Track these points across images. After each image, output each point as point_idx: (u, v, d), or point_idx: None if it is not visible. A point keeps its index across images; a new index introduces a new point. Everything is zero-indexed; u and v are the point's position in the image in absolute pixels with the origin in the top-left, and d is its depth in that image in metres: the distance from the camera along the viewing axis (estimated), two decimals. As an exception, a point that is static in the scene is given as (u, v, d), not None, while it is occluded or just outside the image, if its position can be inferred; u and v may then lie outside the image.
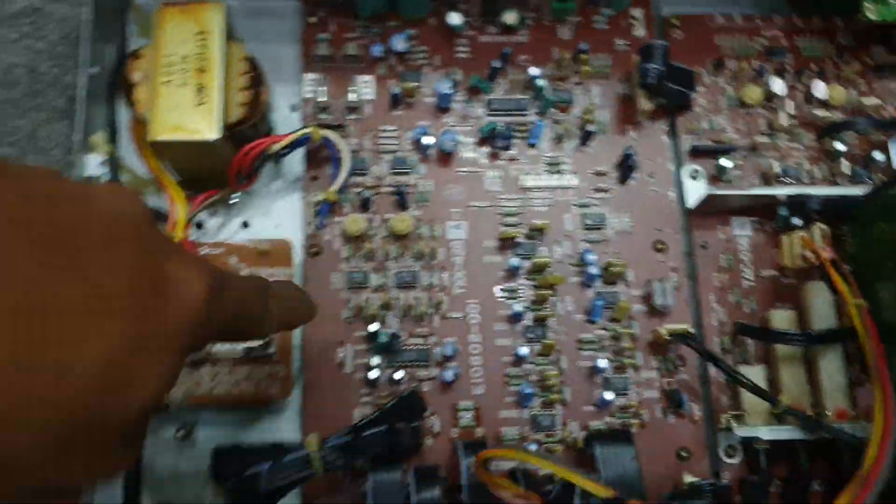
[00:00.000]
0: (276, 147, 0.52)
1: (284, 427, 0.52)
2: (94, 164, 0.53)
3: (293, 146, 0.53)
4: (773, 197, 0.54)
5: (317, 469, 0.43)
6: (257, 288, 0.39)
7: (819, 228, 0.53)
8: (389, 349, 0.52)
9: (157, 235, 0.32)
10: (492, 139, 0.56)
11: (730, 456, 0.52)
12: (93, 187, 0.31)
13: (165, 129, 0.48)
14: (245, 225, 0.55)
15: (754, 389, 0.49)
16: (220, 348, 0.51)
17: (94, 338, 0.27)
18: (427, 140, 0.55)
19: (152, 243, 0.31)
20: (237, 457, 0.44)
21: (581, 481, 0.39)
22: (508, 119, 0.57)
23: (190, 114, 0.48)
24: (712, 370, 0.53)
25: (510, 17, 0.58)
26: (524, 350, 0.52)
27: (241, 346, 0.51)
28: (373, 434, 0.45)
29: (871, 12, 0.57)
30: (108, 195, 0.31)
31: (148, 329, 0.30)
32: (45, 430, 0.27)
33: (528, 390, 0.51)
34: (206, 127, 0.48)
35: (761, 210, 0.56)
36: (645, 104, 0.56)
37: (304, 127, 0.53)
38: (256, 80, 0.51)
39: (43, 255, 0.27)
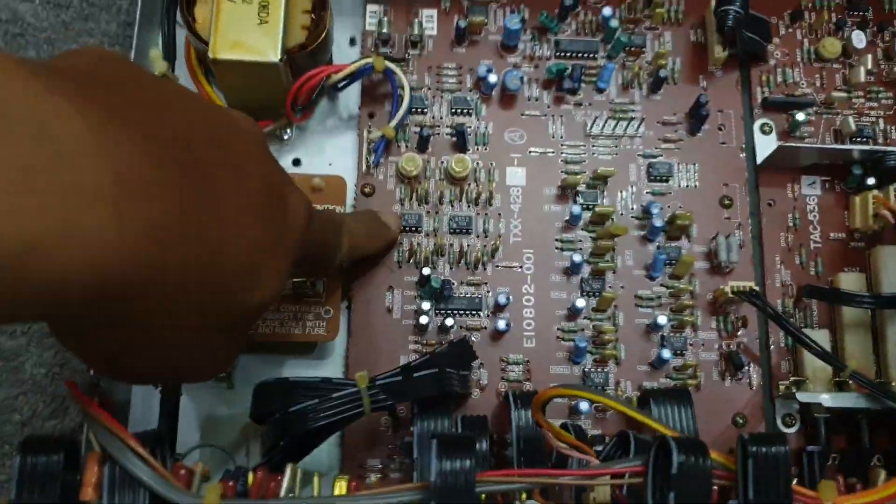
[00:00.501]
0: (336, 77, 0.50)
1: (327, 372, 0.50)
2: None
3: (353, 77, 0.50)
4: (847, 153, 0.52)
5: (365, 407, 0.42)
6: (333, 222, 0.44)
7: (894, 189, 0.50)
8: (440, 295, 0.50)
9: (273, 158, 0.37)
10: (558, 81, 0.54)
11: (788, 425, 0.50)
12: (231, 110, 0.36)
13: (225, 47, 0.46)
14: (296, 162, 0.53)
15: (821, 352, 0.47)
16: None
17: (242, 228, 0.32)
18: (492, 78, 0.52)
19: (273, 163, 0.37)
20: (282, 391, 0.42)
21: (646, 420, 0.37)
22: (576, 61, 0.54)
23: (252, 31, 0.46)
24: (773, 335, 0.51)
25: (581, -44, 0.56)
26: (581, 303, 0.50)
27: (289, 284, 0.49)
28: (423, 376, 0.43)
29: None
30: (243, 118, 0.36)
31: (275, 234, 0.35)
32: (190, 301, 0.31)
33: (583, 344, 0.49)
34: (268, 47, 0.46)
35: (833, 169, 0.54)
36: (718, 52, 0.54)
37: (366, 57, 0.51)
38: (320, 2, 0.48)
39: (207, 160, 0.32)
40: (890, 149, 0.52)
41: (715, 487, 0.36)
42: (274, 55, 0.46)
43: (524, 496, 0.38)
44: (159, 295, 0.30)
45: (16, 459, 0.33)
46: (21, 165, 0.24)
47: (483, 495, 0.38)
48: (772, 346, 0.51)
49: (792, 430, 0.50)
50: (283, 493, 0.35)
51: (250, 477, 0.36)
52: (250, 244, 0.33)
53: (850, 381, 0.48)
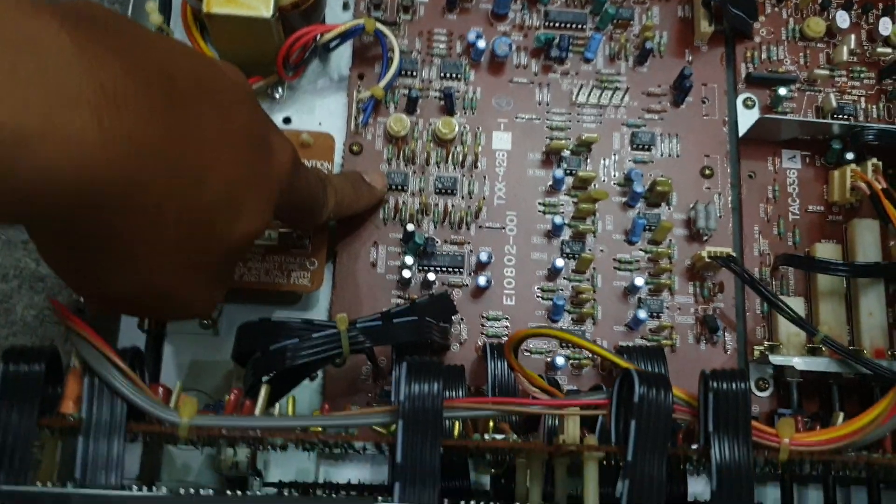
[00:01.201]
0: (328, 36, 0.51)
1: (312, 322, 0.51)
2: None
3: (344, 37, 0.52)
4: (827, 127, 0.53)
5: (344, 349, 0.43)
6: (320, 178, 0.45)
7: (871, 163, 0.51)
8: (424, 252, 0.51)
9: (260, 107, 0.38)
10: (546, 50, 0.55)
11: (761, 389, 0.51)
12: (220, 61, 0.38)
13: (219, 2, 0.47)
14: (287, 121, 0.55)
15: (794, 317, 0.48)
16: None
17: (222, 163, 0.34)
18: (481, 44, 0.54)
19: (259, 111, 0.38)
20: (264, 331, 0.43)
21: (608, 355, 0.38)
22: (565, 31, 0.56)
23: (246, -15, 0.47)
24: (749, 302, 0.52)
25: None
26: (560, 262, 0.51)
27: (273, 234, 0.50)
28: (402, 322, 0.44)
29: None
30: (230, 69, 0.38)
31: (257, 173, 0.36)
32: (168, 222, 0.32)
33: (560, 302, 0.50)
34: (261, 2, 0.47)
35: (813, 144, 0.55)
36: (705, 27, 0.55)
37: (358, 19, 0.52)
38: (314, -38, 0.50)
39: (191, 96, 0.33)
40: (868, 124, 0.53)
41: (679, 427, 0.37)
42: (266, 11, 0.48)
43: (491, 425, 0.38)
44: (138, 210, 0.31)
45: (-1, 366, 0.34)
46: (6, 69, 0.26)
47: (457, 425, 0.39)
48: (747, 314, 0.52)
49: (765, 394, 0.51)
50: (257, 412, 0.36)
51: (226, 399, 0.37)
52: (230, 178, 0.35)
53: (823, 347, 0.49)
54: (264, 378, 0.43)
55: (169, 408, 0.35)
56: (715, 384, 0.36)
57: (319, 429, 0.36)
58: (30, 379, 0.34)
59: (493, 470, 0.42)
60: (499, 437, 0.37)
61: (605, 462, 0.37)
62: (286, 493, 0.43)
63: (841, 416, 0.37)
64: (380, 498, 0.33)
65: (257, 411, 0.36)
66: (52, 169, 0.27)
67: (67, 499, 0.32)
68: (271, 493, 0.43)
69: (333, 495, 0.45)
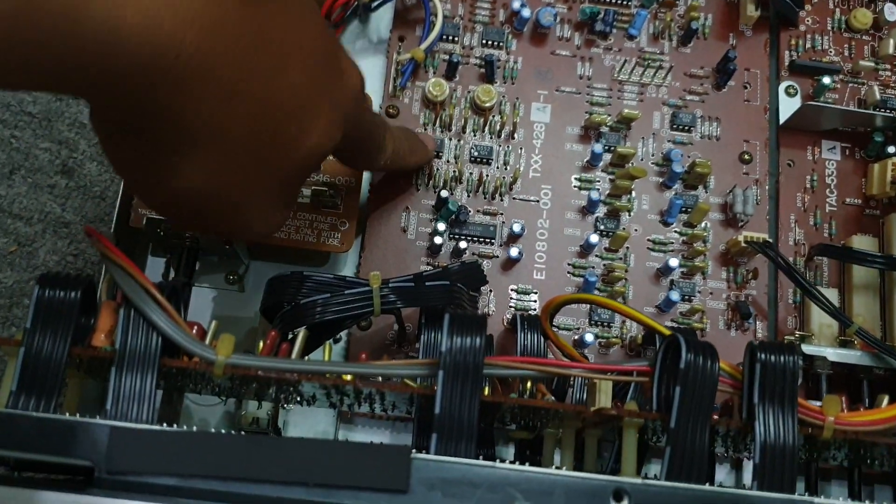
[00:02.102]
0: (371, -7, 0.50)
1: (339, 283, 0.50)
2: None
3: (388, -3, 0.51)
4: (870, 118, 0.52)
5: (375, 307, 0.42)
6: (381, 120, 0.45)
7: (914, 158, 0.51)
8: (456, 220, 0.51)
9: (332, 32, 0.38)
10: (591, 24, 0.54)
11: (788, 379, 0.50)
12: None
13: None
14: (323, 81, 0.54)
15: (829, 308, 0.48)
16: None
17: (294, 67, 0.33)
18: (525, 12, 0.53)
19: (331, 34, 0.39)
20: (296, 284, 0.43)
21: (652, 322, 0.37)
22: (610, 7, 0.55)
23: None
24: (782, 290, 0.51)
25: None
26: (594, 238, 0.50)
27: (306, 191, 0.49)
28: (434, 286, 0.44)
29: None
30: None
31: (329, 86, 0.35)
32: (237, 115, 0.31)
33: (592, 279, 0.50)
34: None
35: (853, 136, 0.54)
36: (751, 10, 0.54)
37: (402, -22, 0.51)
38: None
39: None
40: (912, 118, 0.52)
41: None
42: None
43: (529, 384, 0.38)
44: (208, 93, 0.30)
45: (35, 290, 0.33)
46: None
47: (486, 389, 0.38)
48: (780, 303, 0.51)
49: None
50: (294, 355, 0.35)
51: (260, 345, 0.36)
52: (301, 84, 0.34)
53: (855, 341, 0.48)
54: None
55: (205, 344, 0.34)
56: (763, 355, 0.35)
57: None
58: (64, 306, 0.33)
59: (523, 434, 0.41)
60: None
61: (641, 434, 0.37)
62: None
63: (886, 398, 0.37)
64: (414, 450, 0.32)
65: (294, 355, 0.35)
66: (119, 20, 0.26)
67: (98, 430, 0.31)
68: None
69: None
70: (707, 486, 0.33)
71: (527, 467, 0.32)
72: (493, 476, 0.32)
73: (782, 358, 0.35)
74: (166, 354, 0.34)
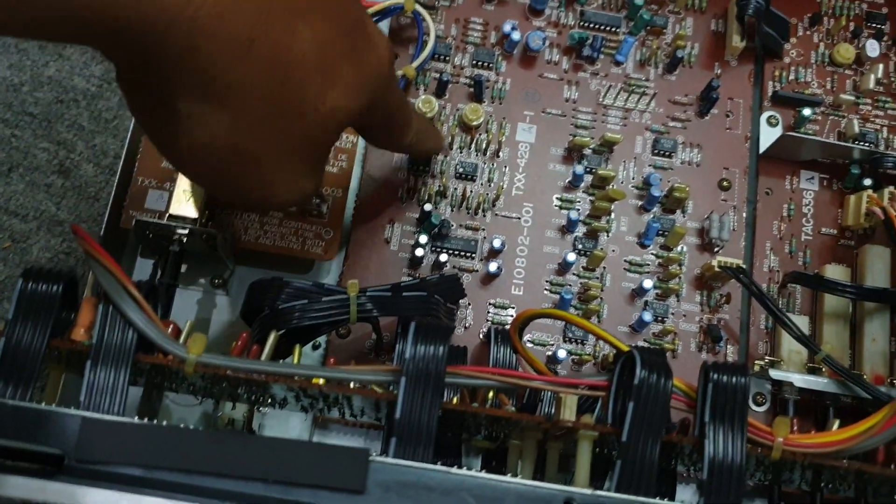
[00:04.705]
0: (368, 11, 0.52)
1: (322, 291, 0.52)
2: None
3: (383, 15, 0.53)
4: (848, 150, 0.53)
5: (352, 315, 0.43)
6: (408, 101, 0.46)
7: (888, 191, 0.52)
8: (438, 233, 0.52)
9: (359, 1, 0.38)
10: (579, 49, 0.56)
11: (758, 404, 0.51)
12: None
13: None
14: (317, 94, 0.55)
15: (798, 334, 0.49)
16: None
17: (315, 22, 0.33)
18: (515, 36, 0.54)
19: (359, 2, 0.38)
20: (275, 289, 0.44)
21: (611, 338, 0.39)
22: (599, 33, 0.56)
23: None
24: (754, 316, 0.53)
25: (616, -64, 0.58)
26: (572, 257, 0.52)
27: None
28: (411, 296, 0.45)
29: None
30: None
31: (354, 48, 0.35)
32: (258, 80, 0.32)
33: (568, 296, 0.51)
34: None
35: (832, 168, 0.55)
36: (736, 41, 0.56)
37: (397, 0, 0.53)
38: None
39: None
40: (890, 152, 0.53)
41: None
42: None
43: (491, 395, 0.39)
44: (228, 41, 0.30)
45: (18, 283, 0.34)
46: None
47: (455, 400, 0.39)
48: (751, 328, 0.53)
49: (761, 410, 0.51)
50: (264, 357, 0.36)
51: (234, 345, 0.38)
52: (323, 40, 0.34)
53: (823, 368, 0.49)
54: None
55: (178, 342, 0.35)
56: (715, 375, 0.36)
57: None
58: (46, 299, 0.35)
59: (485, 443, 0.42)
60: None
61: (597, 450, 0.38)
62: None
63: (837, 422, 0.38)
64: (374, 452, 0.34)
65: (264, 357, 0.36)
66: None
67: (70, 420, 0.33)
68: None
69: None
70: (655, 500, 0.34)
71: (481, 474, 0.34)
72: (448, 481, 0.34)
73: (734, 378, 0.36)
74: (141, 351, 0.35)
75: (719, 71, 0.57)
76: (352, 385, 0.37)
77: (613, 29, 0.57)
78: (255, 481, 0.32)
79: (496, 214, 0.53)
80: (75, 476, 0.32)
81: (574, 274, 0.53)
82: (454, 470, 0.34)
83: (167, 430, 0.33)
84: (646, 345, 0.52)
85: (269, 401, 0.40)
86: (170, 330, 0.37)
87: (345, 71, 0.35)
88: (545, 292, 0.52)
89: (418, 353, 0.35)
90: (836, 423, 0.37)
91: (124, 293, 0.35)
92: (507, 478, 0.34)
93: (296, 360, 0.39)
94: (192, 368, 0.35)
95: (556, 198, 0.54)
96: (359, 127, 0.43)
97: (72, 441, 0.32)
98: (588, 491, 0.34)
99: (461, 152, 0.54)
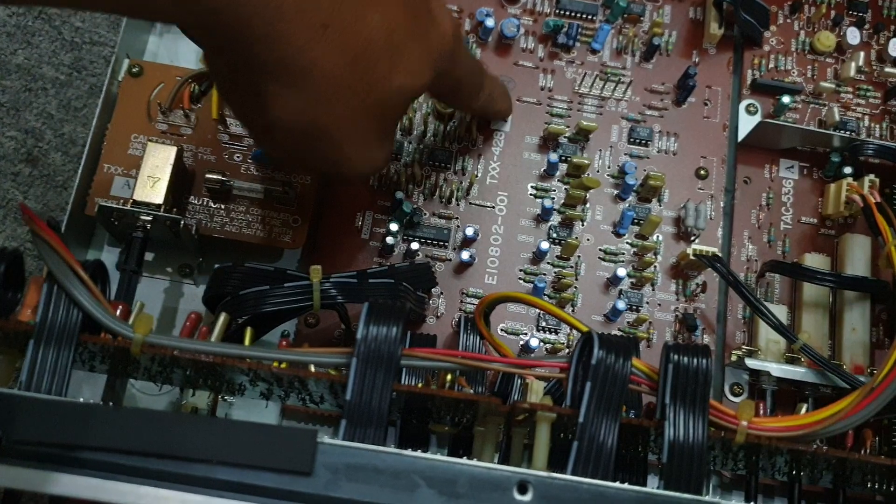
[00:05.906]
0: None
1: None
2: None
3: None
4: (827, 138, 0.52)
5: (315, 301, 0.43)
6: (480, 64, 0.48)
7: (868, 179, 0.51)
8: (410, 221, 0.51)
9: None
10: (554, 37, 0.55)
11: (735, 394, 0.50)
12: None
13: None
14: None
15: (775, 323, 0.48)
16: (242, 185, 0.50)
17: (385, 7, 0.36)
18: (489, 22, 0.54)
19: None
20: (238, 276, 0.43)
21: (572, 319, 0.38)
22: (574, 21, 0.56)
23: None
24: (731, 306, 0.52)
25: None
26: (545, 245, 0.51)
27: (260, 187, 0.50)
28: (378, 283, 0.44)
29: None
30: None
31: (419, 28, 0.37)
32: (332, 59, 0.34)
33: (541, 285, 0.50)
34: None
35: (812, 157, 0.54)
36: (714, 29, 0.55)
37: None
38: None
39: None
40: (869, 139, 0.52)
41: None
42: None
43: (449, 377, 0.38)
44: (301, 22, 0.33)
45: (-42, 262, 0.34)
46: None
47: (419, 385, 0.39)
48: (728, 317, 0.52)
49: (738, 400, 0.50)
50: (214, 338, 0.35)
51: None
52: (391, 22, 0.36)
53: (802, 358, 0.48)
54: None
55: (124, 322, 0.34)
56: (676, 356, 0.35)
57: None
58: (-12, 278, 0.34)
59: (442, 428, 0.42)
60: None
61: (561, 435, 0.37)
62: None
63: (805, 406, 0.37)
64: (322, 433, 0.33)
65: (213, 338, 0.35)
66: None
67: (7, 399, 0.32)
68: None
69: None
70: (613, 483, 0.33)
71: (433, 456, 0.33)
72: (399, 463, 0.33)
73: (695, 360, 0.35)
74: (87, 331, 0.34)
75: (697, 59, 0.56)
76: (312, 369, 0.36)
77: (590, 17, 0.56)
78: (198, 462, 0.31)
79: (470, 203, 0.53)
80: (13, 457, 0.31)
81: (548, 263, 0.52)
82: (405, 452, 0.33)
83: (106, 411, 0.32)
84: (619, 333, 0.51)
85: (226, 387, 0.39)
86: (119, 312, 0.36)
87: (410, 50, 0.37)
88: (519, 281, 0.51)
89: (370, 334, 0.35)
90: (805, 408, 0.36)
91: (70, 272, 0.34)
92: (460, 460, 0.33)
93: (247, 343, 0.38)
94: (138, 348, 0.34)
95: (531, 186, 0.53)
96: (430, 94, 0.47)
97: (9, 421, 0.31)
98: (543, 473, 0.33)
99: (434, 140, 0.53)
